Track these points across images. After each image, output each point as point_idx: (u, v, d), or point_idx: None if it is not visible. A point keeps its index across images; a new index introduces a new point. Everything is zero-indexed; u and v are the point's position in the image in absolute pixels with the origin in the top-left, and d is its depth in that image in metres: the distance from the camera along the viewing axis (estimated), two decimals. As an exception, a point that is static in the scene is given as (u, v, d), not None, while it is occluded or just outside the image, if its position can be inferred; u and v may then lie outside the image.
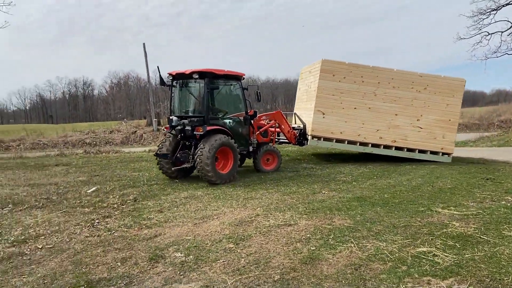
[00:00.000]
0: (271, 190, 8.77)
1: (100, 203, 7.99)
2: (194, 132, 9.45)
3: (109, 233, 6.04)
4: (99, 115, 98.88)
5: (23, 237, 5.88)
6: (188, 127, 9.56)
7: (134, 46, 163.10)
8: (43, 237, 5.94)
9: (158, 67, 9.95)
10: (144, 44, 28.73)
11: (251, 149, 10.98)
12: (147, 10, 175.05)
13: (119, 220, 6.75)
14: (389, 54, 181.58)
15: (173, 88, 10.31)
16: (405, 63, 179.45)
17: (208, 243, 5.37)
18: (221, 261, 4.73)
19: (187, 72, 9.60)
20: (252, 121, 10.87)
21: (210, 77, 9.65)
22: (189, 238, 5.64)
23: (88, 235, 5.98)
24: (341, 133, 12.53)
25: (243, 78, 10.66)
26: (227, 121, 10.29)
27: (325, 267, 4.44)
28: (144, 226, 6.33)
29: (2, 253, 5.28)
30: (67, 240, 5.78)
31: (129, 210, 7.40)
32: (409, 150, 12.90)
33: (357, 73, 12.53)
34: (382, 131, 12.68)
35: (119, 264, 4.76)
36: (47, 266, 4.80)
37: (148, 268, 4.62)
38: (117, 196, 8.54)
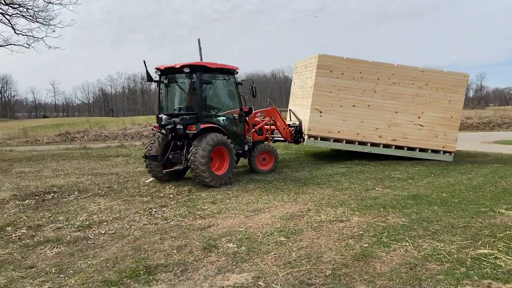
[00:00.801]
0: (322, 186, 8.70)
1: (157, 193, 8.35)
2: (187, 131, 8.67)
3: (166, 221, 6.31)
4: (156, 109, 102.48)
5: (87, 223, 6.30)
6: (179, 126, 8.77)
7: (188, 42, 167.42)
8: (105, 223, 6.32)
9: (144, 61, 9.17)
10: (199, 39, 29.33)
11: (246, 148, 10.26)
12: (201, 6, 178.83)
13: (175, 209, 7.03)
14: (451, 46, 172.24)
15: (161, 84, 9.48)
16: (469, 55, 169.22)
17: (259, 236, 5.45)
18: (273, 253, 4.79)
19: (177, 66, 8.88)
20: (247, 118, 10.18)
21: (202, 71, 8.92)
22: (241, 229, 5.76)
23: (146, 222, 6.29)
24: (339, 132, 11.97)
25: (237, 72, 9.89)
26: (221, 118, 9.53)
27: (378, 265, 4.37)
28: (198, 216, 6.54)
29: (68, 237, 5.69)
30: (127, 227, 6.12)
31: (184, 201, 7.67)
32: (410, 149, 12.32)
33: (355, 68, 11.92)
34: (382, 130, 12.13)
35: (175, 251, 4.97)
36: (109, 250, 5.11)
37: (202, 256, 4.78)
38: (173, 187, 8.87)
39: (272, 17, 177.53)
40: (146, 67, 9.09)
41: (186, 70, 8.70)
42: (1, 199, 8.05)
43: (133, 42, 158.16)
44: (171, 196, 8.09)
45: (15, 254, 5.05)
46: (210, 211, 6.84)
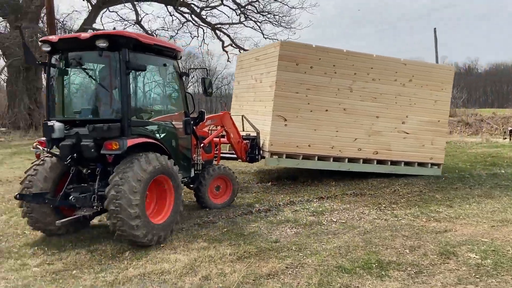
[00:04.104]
0: None
1: (385, 189, 8.25)
2: (102, 151, 5.03)
3: (396, 219, 6.16)
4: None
5: (320, 209, 6.75)
6: (87, 141, 5.16)
7: (417, 32, 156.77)
8: (336, 212, 6.64)
9: (20, 26, 5.79)
10: (435, 29, 27.64)
11: (193, 173, 6.60)
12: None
13: (405, 208, 6.78)
14: None
15: (53, 68, 5.62)
16: None
17: (509, 250, 4.71)
18: (529, 274, 4.04)
19: (83, 37, 5.10)
20: (194, 128, 6.54)
21: (131, 48, 5.22)
22: (486, 240, 5.08)
23: (375, 217, 6.29)
24: (309, 146, 8.68)
25: (181, 56, 6.39)
26: (155, 127, 5.80)
27: None
28: (432, 219, 6.13)
29: (304, 220, 6.22)
30: (357, 218, 6.26)
31: (415, 200, 7.33)
32: (393, 163, 9.59)
33: (327, 60, 8.76)
34: (361, 140, 9.17)
35: (407, 251, 4.79)
36: (341, 238, 5.33)
37: (439, 262, 4.45)
38: (402, 185, 8.58)
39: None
40: (23, 39, 5.85)
41: (102, 44, 5.00)
42: (248, 180, 9.54)
43: (362, 36, 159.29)
44: (401, 194, 7.83)
45: (262, 228, 5.85)
46: (446, 215, 6.31)
